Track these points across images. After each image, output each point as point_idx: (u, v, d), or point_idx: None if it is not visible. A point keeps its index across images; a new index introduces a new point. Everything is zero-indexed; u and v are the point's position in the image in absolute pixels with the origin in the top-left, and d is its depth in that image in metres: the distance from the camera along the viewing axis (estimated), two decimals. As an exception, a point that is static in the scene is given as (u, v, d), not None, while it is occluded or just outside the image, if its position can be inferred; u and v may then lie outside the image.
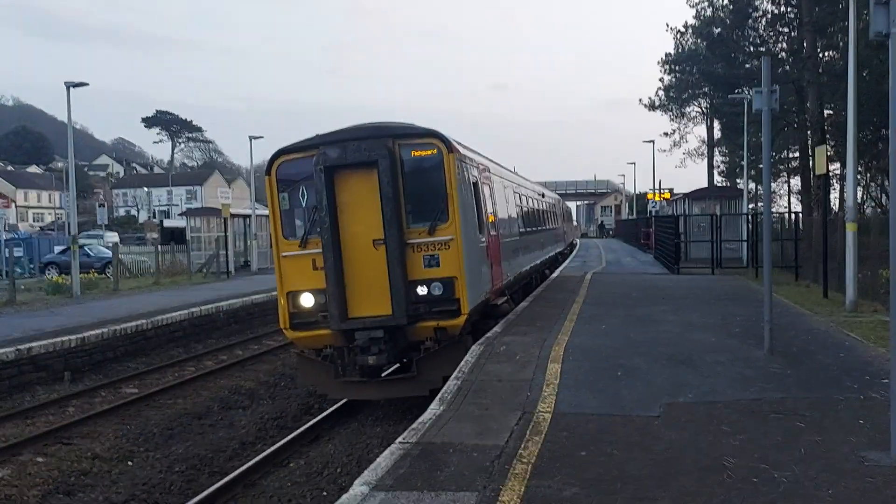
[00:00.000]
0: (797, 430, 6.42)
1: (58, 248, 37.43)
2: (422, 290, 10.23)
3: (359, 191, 10.25)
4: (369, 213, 10.14)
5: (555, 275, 23.55)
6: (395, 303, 10.04)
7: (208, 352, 17.07)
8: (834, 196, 41.24)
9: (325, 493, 8.10)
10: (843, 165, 24.67)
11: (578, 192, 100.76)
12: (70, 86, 23.60)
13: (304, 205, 10.70)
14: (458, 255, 10.23)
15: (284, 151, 10.79)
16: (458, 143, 11.32)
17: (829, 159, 28.17)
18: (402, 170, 10.26)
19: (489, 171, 13.72)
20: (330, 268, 10.08)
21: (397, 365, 11.75)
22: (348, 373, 10.65)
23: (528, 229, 18.66)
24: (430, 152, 10.41)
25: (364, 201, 10.20)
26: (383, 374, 11.42)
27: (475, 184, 11.80)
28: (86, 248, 34.46)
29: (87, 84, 24.16)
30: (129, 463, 9.55)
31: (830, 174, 37.47)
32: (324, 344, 10.62)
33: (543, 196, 24.92)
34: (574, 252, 39.64)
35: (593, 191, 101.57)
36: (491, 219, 12.91)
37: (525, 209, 18.90)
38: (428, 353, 10.37)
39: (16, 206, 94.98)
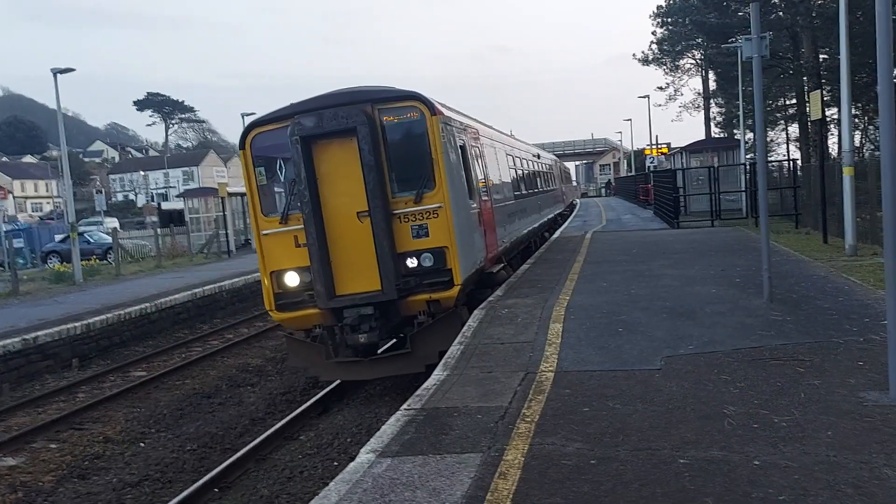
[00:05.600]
0: (797, 375, 6.47)
1: (58, 237, 37.42)
2: (411, 263, 9.81)
3: (339, 161, 9.76)
4: (351, 183, 9.68)
5: (555, 236, 23.57)
6: (384, 277, 9.62)
7: (214, 331, 17.18)
8: (832, 141, 41.05)
9: (335, 464, 8.21)
10: (839, 110, 24.48)
11: (576, 151, 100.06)
12: (57, 72, 23.43)
13: (282, 179, 10.25)
14: (447, 223, 9.79)
15: (258, 123, 10.27)
16: (443, 105, 10.79)
17: (826, 104, 28.01)
18: (384, 136, 9.78)
19: (478, 133, 13.19)
20: (313, 244, 9.64)
21: (394, 340, 11.29)
22: (341, 353, 10.26)
23: (523, 192, 18.24)
24: (411, 116, 9.86)
25: (345, 172, 9.71)
26: (380, 351, 11.02)
27: (463, 147, 11.28)
28: (86, 235, 34.50)
29: (73, 70, 23.97)
30: (142, 444, 9.67)
31: (828, 119, 37.22)
32: (312, 324, 10.20)
33: (539, 157, 24.66)
34: (574, 212, 39.59)
35: (591, 150, 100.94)
36: (482, 183, 12.44)
37: (519, 171, 18.46)
38: (422, 328, 9.97)
39: (13, 197, 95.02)
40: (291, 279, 10.02)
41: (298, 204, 9.74)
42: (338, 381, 11.25)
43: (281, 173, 10.23)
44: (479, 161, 12.60)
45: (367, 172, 9.53)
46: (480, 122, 14.49)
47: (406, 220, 9.80)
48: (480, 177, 12.37)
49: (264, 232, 10.15)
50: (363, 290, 9.74)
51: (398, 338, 10.74)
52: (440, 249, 9.80)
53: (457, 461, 5.12)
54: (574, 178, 72.64)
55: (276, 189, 10.45)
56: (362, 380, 10.76)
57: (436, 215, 9.79)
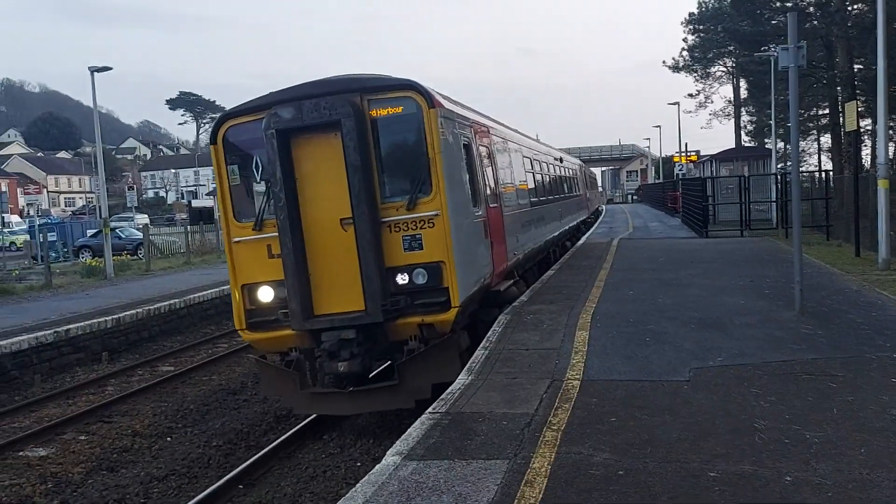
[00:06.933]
0: (829, 391, 6.38)
1: (90, 232, 38.06)
2: (402, 279, 8.48)
3: (320, 159, 8.48)
4: (335, 186, 8.40)
5: (580, 242, 23.45)
6: (369, 296, 8.30)
7: (240, 329, 17.32)
8: (865, 153, 40.47)
9: (359, 464, 8.25)
10: (875, 121, 24.07)
11: (603, 157, 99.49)
12: (94, 70, 23.84)
13: (258, 179, 8.94)
14: (444, 234, 8.45)
15: (232, 114, 9.02)
16: (444, 97, 9.46)
17: (860, 115, 27.57)
18: (374, 131, 8.47)
19: (488, 132, 11.68)
20: (288, 255, 8.35)
21: (388, 363, 10.04)
22: (320, 381, 9.08)
23: (542, 198, 16.56)
24: (406, 108, 8.51)
25: (328, 172, 8.44)
26: (370, 376, 9.64)
27: (467, 146, 9.90)
28: (117, 231, 35.01)
29: (110, 68, 24.39)
30: (168, 439, 9.79)
31: (861, 130, 36.65)
32: (287, 347, 8.90)
33: (561, 161, 23.31)
34: (599, 219, 39.37)
35: (618, 155, 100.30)
36: (491, 188, 11.01)
37: (538, 175, 16.89)
38: (412, 356, 8.58)
39: (47, 192, 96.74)
40: (265, 294, 8.75)
41: (273, 208, 8.55)
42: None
43: (258, 172, 8.92)
44: (489, 162, 11.24)
45: (353, 173, 8.26)
46: (492, 119, 13.14)
47: (397, 229, 8.50)
48: (489, 180, 11.00)
49: (235, 239, 8.90)
50: (344, 311, 8.47)
51: (391, 358, 9.39)
52: (436, 265, 8.47)
53: (483, 467, 5.12)
54: (600, 183, 72.14)
55: (253, 190, 9.12)
56: (341, 415, 9.40)
57: (431, 224, 8.47)
